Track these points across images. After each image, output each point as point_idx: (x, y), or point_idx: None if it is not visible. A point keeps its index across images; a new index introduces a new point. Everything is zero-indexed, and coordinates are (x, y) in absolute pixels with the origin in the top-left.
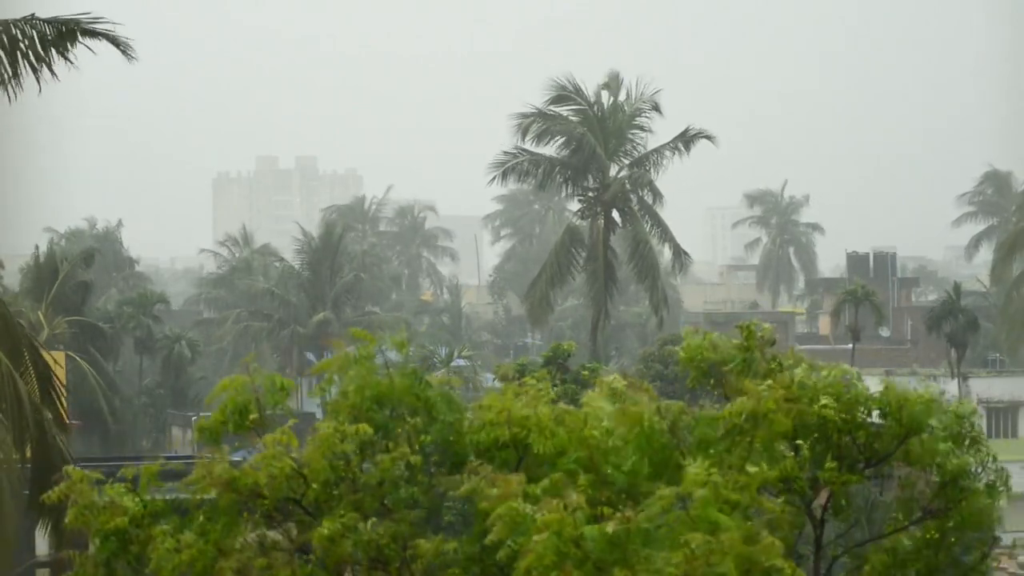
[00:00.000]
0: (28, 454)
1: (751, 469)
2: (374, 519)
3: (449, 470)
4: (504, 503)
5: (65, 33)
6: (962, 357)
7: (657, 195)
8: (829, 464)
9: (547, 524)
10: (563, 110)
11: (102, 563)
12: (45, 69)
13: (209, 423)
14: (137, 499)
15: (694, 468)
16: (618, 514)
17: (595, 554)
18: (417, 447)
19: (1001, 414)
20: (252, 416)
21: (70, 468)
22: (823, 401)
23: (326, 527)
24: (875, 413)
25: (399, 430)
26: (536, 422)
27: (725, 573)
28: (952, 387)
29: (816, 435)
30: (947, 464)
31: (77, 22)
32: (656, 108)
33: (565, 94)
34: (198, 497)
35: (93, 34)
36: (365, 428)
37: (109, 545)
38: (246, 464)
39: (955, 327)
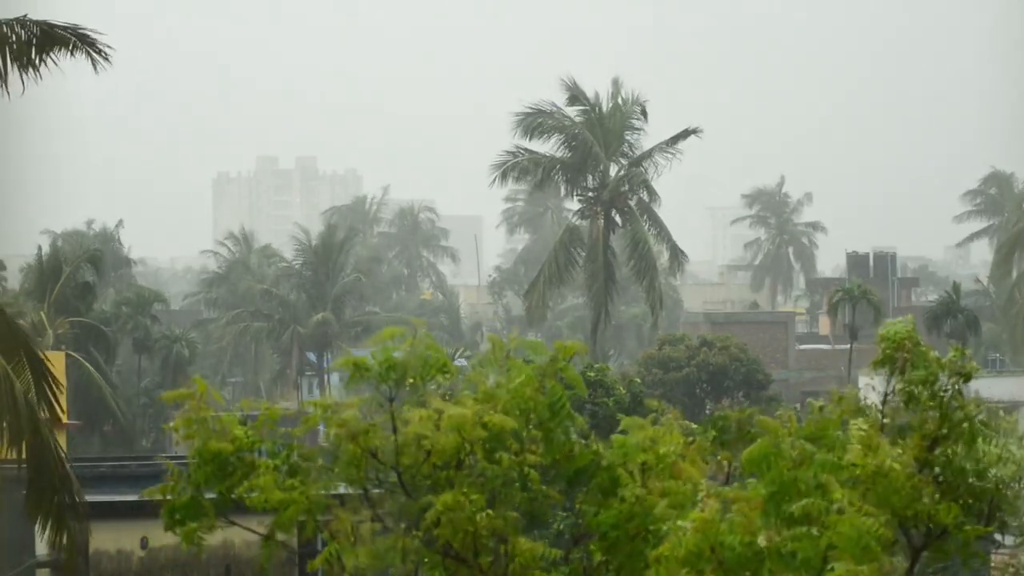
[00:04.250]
0: (23, 454)
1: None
2: (480, 502)
3: (554, 486)
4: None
5: (48, 38)
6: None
7: (653, 194)
8: (955, 509)
9: (695, 518)
10: (565, 110)
11: (193, 488)
12: (35, 70)
13: (354, 359)
14: (248, 431)
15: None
16: (764, 532)
17: (730, 563)
18: (536, 458)
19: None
20: (409, 381)
21: (197, 378)
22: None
23: (449, 497)
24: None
25: (524, 433)
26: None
27: None
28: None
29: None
30: None
31: (52, 26)
32: (643, 112)
33: (571, 95)
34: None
35: (75, 41)
36: (511, 422)
37: (206, 470)
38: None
39: (955, 327)
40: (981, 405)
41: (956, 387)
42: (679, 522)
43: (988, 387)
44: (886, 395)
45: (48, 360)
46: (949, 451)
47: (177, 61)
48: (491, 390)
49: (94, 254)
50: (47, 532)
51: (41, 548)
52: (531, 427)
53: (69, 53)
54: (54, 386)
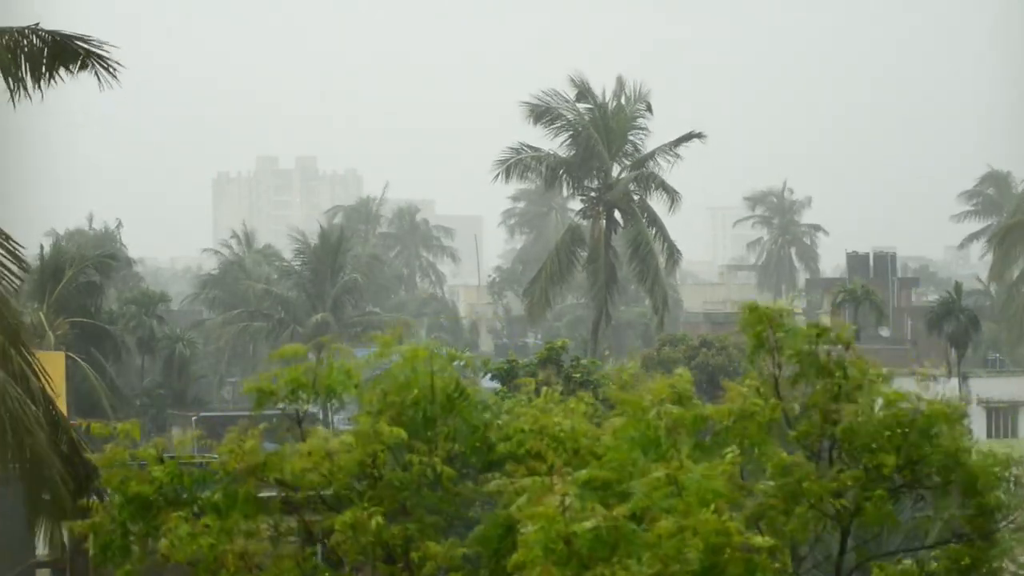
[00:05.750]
0: (27, 454)
1: (728, 453)
2: (380, 519)
3: (474, 477)
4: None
5: (60, 50)
6: (962, 357)
7: (673, 195)
8: (855, 473)
9: (536, 519)
10: (573, 104)
11: (119, 525)
12: (49, 80)
13: (258, 385)
14: (166, 469)
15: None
16: (605, 510)
17: (585, 551)
18: (445, 453)
19: (1001, 414)
20: (304, 395)
21: (122, 424)
22: (893, 430)
23: (348, 515)
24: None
25: (429, 433)
26: (564, 433)
27: (693, 556)
28: (952, 387)
29: (857, 446)
30: (988, 497)
31: (64, 37)
32: (648, 108)
33: (579, 91)
34: (223, 473)
35: (84, 57)
36: (400, 432)
37: (129, 510)
38: (275, 452)
39: (956, 327)
40: (869, 366)
41: (835, 354)
42: (522, 530)
43: (988, 387)
44: (776, 379)
45: (34, 362)
46: (844, 416)
47: (177, 61)
48: (382, 396)
49: (104, 261)
50: (44, 531)
51: (41, 548)
52: (439, 421)
53: (79, 68)
54: (53, 386)
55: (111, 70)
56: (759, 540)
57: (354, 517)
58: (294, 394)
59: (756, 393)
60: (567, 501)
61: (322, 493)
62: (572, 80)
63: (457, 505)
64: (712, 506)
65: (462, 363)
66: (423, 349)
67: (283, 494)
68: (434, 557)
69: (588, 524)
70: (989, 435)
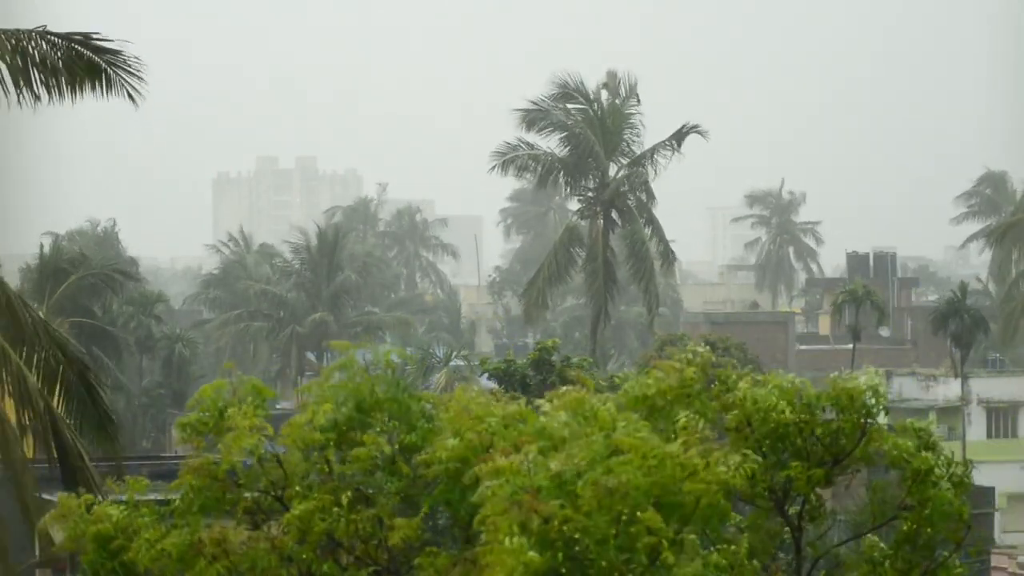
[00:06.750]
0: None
1: (681, 418)
2: (349, 494)
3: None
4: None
5: (76, 62)
6: (966, 357)
7: (651, 197)
8: (794, 463)
9: (500, 472)
10: (566, 106)
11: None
12: (54, 83)
13: (189, 420)
14: (121, 507)
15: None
16: (560, 455)
17: (550, 499)
18: (398, 446)
19: (1001, 414)
20: (231, 417)
21: (63, 496)
22: (780, 406)
23: (298, 508)
24: (829, 411)
25: (381, 428)
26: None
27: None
28: (954, 387)
29: (778, 441)
30: (914, 462)
31: (72, 40)
32: (637, 100)
33: (568, 91)
34: (183, 496)
35: (108, 70)
36: (327, 407)
37: (96, 555)
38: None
39: (960, 327)
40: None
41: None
42: (486, 483)
43: (988, 387)
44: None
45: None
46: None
47: (177, 61)
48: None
49: (111, 274)
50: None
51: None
52: (388, 419)
53: (102, 86)
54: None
55: (136, 86)
56: (720, 471)
57: (303, 510)
58: (221, 416)
59: (688, 364)
60: (530, 456)
61: (280, 496)
62: (568, 80)
63: (416, 491)
64: (680, 439)
65: (406, 363)
66: (353, 345)
67: (244, 495)
68: (400, 528)
69: (553, 465)
70: (989, 435)
